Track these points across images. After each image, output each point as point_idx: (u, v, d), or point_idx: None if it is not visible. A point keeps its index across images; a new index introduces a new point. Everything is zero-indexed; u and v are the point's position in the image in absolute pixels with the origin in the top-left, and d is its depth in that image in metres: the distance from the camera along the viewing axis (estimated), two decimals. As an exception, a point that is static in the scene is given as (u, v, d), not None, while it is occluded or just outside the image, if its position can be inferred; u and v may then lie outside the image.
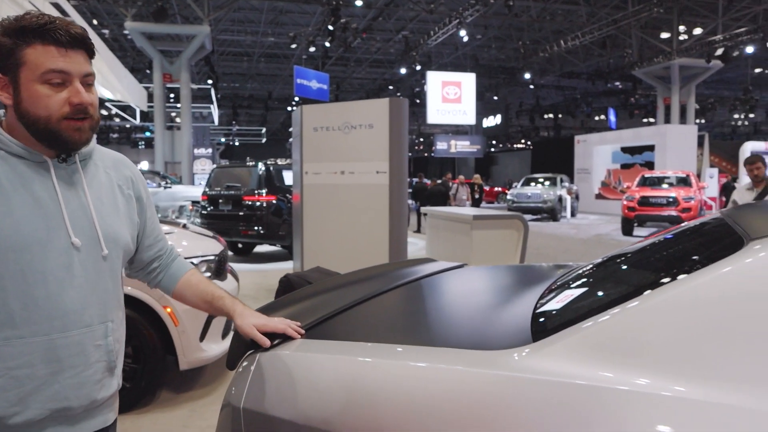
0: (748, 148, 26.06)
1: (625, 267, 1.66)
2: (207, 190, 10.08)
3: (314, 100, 19.73)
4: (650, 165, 20.95)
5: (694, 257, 1.29)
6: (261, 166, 9.61)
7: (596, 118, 39.34)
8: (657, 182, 14.87)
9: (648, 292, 1.17)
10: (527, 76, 27.38)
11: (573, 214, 19.32)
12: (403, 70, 25.62)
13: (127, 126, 34.34)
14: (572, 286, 1.62)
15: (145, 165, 28.71)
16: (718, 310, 1.06)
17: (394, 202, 6.09)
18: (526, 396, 1.09)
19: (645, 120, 34.18)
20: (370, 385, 1.27)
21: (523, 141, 48.25)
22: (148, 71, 23.51)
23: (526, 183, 19.98)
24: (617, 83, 32.02)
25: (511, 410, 1.09)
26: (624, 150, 22.94)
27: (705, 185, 17.31)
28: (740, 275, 1.09)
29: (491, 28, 24.03)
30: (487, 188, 26.94)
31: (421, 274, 2.22)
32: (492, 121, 33.24)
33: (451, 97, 24.00)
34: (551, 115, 37.87)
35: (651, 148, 21.48)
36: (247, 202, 9.38)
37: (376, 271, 2.36)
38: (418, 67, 23.80)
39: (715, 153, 30.80)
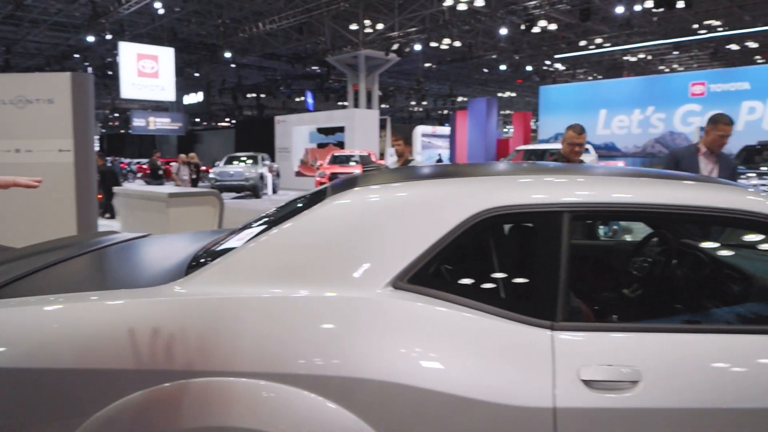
0: (419, 131, 30.54)
1: (260, 223, 2.21)
2: None
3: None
4: (342, 145, 23.17)
5: (303, 207, 1.88)
6: None
7: (297, 99, 41.40)
8: (345, 160, 16.68)
9: (264, 233, 1.71)
10: (228, 54, 27.42)
11: (275, 191, 20.36)
12: (91, 38, 23.33)
13: None
14: (227, 239, 2.10)
15: None
16: (304, 238, 1.65)
17: (82, 182, 5.90)
18: (183, 311, 1.55)
19: (339, 103, 37.28)
20: (63, 326, 1.57)
21: (227, 119, 48.17)
22: None
23: (229, 162, 20.32)
24: (315, 68, 34.18)
25: (174, 325, 1.53)
26: (320, 131, 24.85)
27: (384, 162, 19.94)
28: (319, 216, 1.70)
29: (190, 1, 23.44)
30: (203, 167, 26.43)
31: (105, 243, 2.48)
32: (194, 98, 32.51)
33: (148, 71, 22.84)
34: (254, 95, 38.59)
35: (342, 129, 23.71)
36: None
37: (59, 242, 2.53)
38: (109, 36, 22.00)
39: (395, 134, 35.38)
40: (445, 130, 30.65)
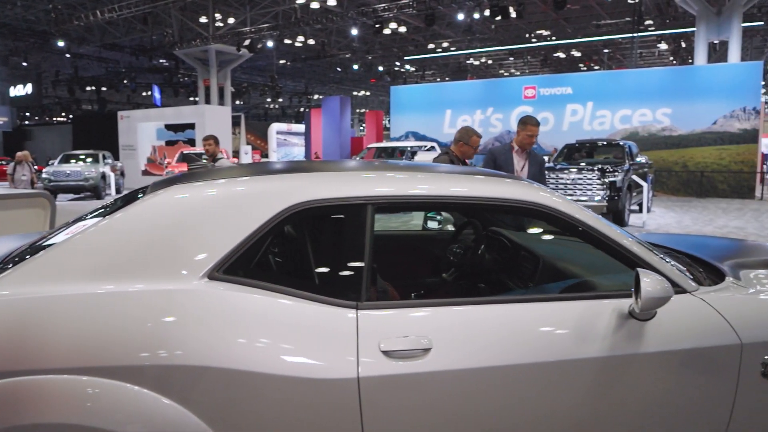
0: (274, 128, 30.29)
1: (81, 222, 2.19)
2: None
3: None
4: (193, 142, 22.33)
5: (122, 204, 1.90)
6: None
7: (144, 93, 39.05)
8: (195, 158, 16.11)
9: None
10: (61, 43, 25.21)
11: (119, 191, 19.16)
12: None
13: None
14: (45, 240, 2.06)
15: None
16: (121, 234, 1.70)
17: None
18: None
19: (192, 99, 35.77)
20: None
21: (63, 114, 44.22)
22: None
23: (65, 160, 18.77)
24: (163, 61, 32.49)
25: None
26: (168, 127, 23.73)
27: (237, 160, 19.54)
28: (136, 212, 1.75)
29: (13, -17, 21.25)
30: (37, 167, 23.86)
31: None
32: (22, 90, 29.45)
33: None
34: (94, 88, 35.81)
35: (193, 126, 22.86)
36: None
37: None
38: None
39: (250, 132, 34.73)
40: (301, 127, 30.69)
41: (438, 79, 35.92)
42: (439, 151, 16.67)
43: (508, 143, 4.73)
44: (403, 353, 1.69)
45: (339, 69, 34.91)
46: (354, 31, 24.57)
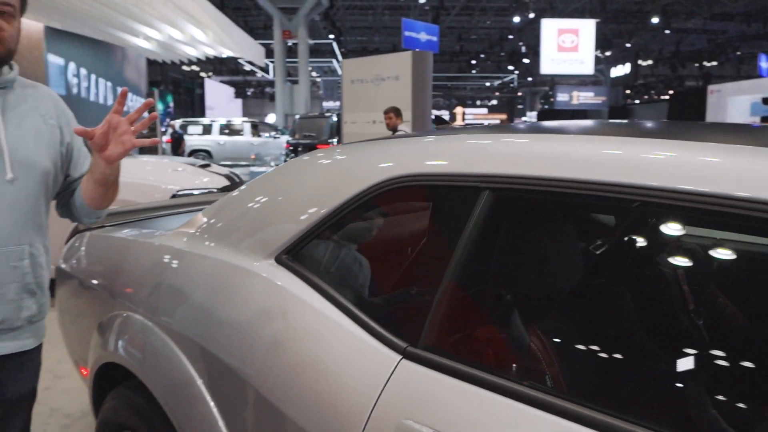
0: None
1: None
2: (290, 139, 11.07)
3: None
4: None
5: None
6: (333, 117, 10.40)
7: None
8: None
9: None
10: (655, 20, 25.22)
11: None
12: (516, 19, 24.75)
13: (260, 80, 37.00)
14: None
15: (271, 117, 30.67)
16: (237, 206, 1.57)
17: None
18: None
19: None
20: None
21: (669, 91, 44.27)
22: (266, 29, 24.90)
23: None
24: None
25: None
26: (765, 101, 20.63)
27: None
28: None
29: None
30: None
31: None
32: (621, 70, 31.13)
33: (567, 46, 22.88)
34: (696, 63, 34.49)
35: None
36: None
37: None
38: (532, 15, 22.90)
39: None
40: None
41: None
42: None
43: None
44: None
45: None
46: None
